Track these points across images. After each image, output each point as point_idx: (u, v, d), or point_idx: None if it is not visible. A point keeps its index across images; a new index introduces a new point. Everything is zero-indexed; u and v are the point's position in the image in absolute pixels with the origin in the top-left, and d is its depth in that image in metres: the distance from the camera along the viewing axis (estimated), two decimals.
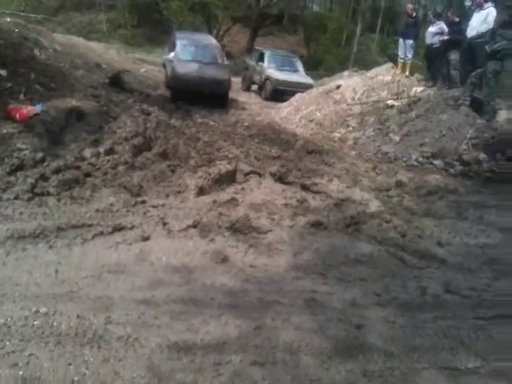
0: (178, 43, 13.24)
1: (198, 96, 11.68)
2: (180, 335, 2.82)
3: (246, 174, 5.96)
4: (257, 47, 19.98)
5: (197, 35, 15.54)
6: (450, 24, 10.58)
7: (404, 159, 8.06)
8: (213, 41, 14.95)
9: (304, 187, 5.87)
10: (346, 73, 16.43)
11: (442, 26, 10.79)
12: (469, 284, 3.93)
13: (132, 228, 4.21)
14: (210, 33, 24.57)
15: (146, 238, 4.09)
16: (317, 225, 4.77)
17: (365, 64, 20.81)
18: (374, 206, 5.49)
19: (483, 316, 3.47)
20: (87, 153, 5.78)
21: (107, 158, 5.65)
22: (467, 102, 8.96)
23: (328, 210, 5.21)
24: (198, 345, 2.76)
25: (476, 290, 3.85)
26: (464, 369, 2.87)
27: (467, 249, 4.68)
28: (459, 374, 2.80)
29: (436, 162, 7.81)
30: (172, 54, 13.01)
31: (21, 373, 2.40)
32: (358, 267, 4.03)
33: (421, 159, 7.96)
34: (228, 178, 5.72)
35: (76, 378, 2.38)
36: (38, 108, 7.25)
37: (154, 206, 4.73)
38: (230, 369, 2.59)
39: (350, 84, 12.25)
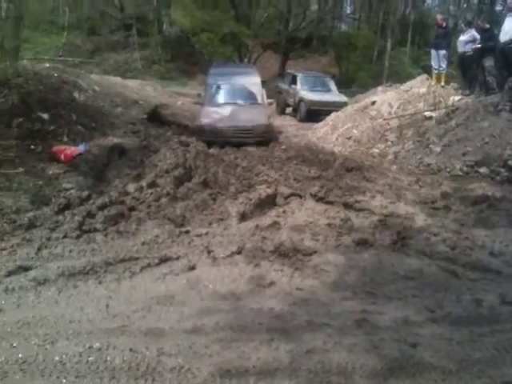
0: (209, 81, 11.72)
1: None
2: (232, 363, 2.80)
3: (287, 197, 5.98)
4: (289, 70, 20.16)
5: (236, 67, 14.11)
6: (481, 31, 10.42)
7: (448, 170, 7.87)
8: (253, 74, 12.27)
9: (346, 205, 5.81)
10: (380, 88, 16.30)
11: (473, 33, 10.65)
12: None
13: (178, 258, 4.27)
14: (241, 61, 25.00)
15: (192, 268, 4.13)
16: (362, 243, 4.70)
17: (399, 78, 20.63)
18: (420, 219, 5.37)
19: None
20: (130, 187, 5.94)
21: (150, 191, 5.78)
22: (507, 107, 8.71)
23: (373, 227, 5.14)
24: (251, 371, 2.73)
25: None
26: None
27: None
28: None
29: (481, 170, 7.58)
30: (202, 95, 11.79)
31: None
32: (409, 283, 3.93)
33: (465, 168, 7.75)
34: (269, 202, 5.75)
35: None
36: (80, 148, 7.55)
37: (197, 235, 4.79)
38: None
39: (385, 99, 12.15)
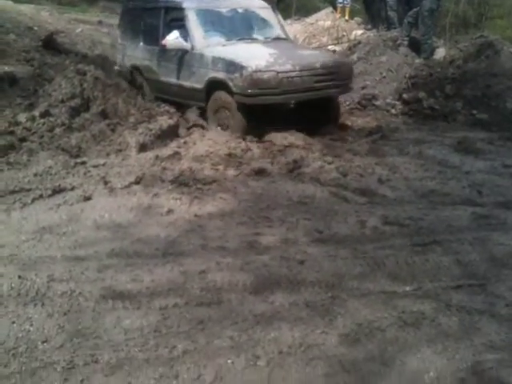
0: (187, 5, 6.80)
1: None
2: (125, 285, 2.85)
3: (189, 128, 5.93)
4: None
5: None
6: None
7: (347, 103, 8.14)
8: None
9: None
10: (288, 21, 16.21)
11: None
12: (407, 215, 4.08)
13: (72, 189, 4.17)
14: None
15: (88, 198, 4.05)
16: (261, 172, 4.82)
17: (307, 11, 20.56)
18: (317, 149, 5.57)
19: (420, 243, 3.64)
20: (21, 117, 5.58)
21: (43, 121, 5.47)
22: (405, 42, 9.08)
23: (272, 156, 5.26)
24: (144, 293, 2.80)
25: (414, 219, 4.00)
26: (401, 292, 3.03)
27: (406, 183, 4.85)
28: (396, 297, 2.94)
29: (378, 103, 7.94)
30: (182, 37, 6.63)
31: None
32: (301, 208, 4.13)
33: (363, 102, 8.07)
34: (170, 133, 5.67)
35: (20, 335, 2.39)
36: None
37: (94, 166, 4.67)
38: (175, 312, 2.65)
39: (292, 32, 12.13)
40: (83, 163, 4.71)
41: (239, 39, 6.78)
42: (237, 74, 5.78)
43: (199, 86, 6.36)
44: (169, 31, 6.79)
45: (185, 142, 5.42)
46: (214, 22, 6.98)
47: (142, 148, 5.15)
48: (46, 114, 5.65)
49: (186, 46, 6.56)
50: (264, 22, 7.39)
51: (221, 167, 4.85)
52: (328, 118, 6.68)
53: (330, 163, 5.09)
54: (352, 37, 10.35)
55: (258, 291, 2.90)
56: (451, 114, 7.42)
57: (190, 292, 2.84)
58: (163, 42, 6.78)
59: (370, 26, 11.00)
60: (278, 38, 7.23)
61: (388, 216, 4.01)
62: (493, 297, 2.96)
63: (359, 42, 9.92)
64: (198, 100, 6.50)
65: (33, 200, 3.92)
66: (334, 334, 2.53)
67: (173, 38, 6.63)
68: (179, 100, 6.85)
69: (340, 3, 12.01)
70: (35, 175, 4.35)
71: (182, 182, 4.43)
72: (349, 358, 2.38)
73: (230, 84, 5.87)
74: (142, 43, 7.61)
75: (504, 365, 2.37)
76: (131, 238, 3.47)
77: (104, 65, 10.41)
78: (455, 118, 7.36)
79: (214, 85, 6.18)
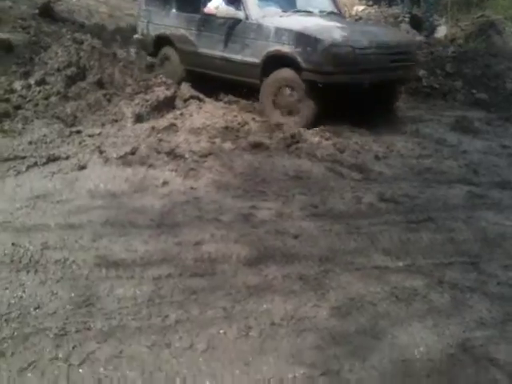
0: None
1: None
2: (119, 255, 2.85)
3: (186, 100, 5.86)
4: None
5: None
6: None
7: None
8: None
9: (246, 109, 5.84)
10: None
11: None
12: (403, 192, 4.09)
13: (67, 158, 4.14)
14: None
15: (83, 167, 4.03)
16: (258, 146, 4.78)
17: None
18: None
19: (415, 220, 3.65)
20: (17, 85, 5.52)
21: (38, 89, 5.41)
22: (407, 19, 8.98)
23: (270, 131, 5.22)
24: (138, 262, 2.80)
25: (409, 196, 4.02)
26: (394, 267, 3.04)
27: (403, 160, 4.84)
28: (389, 273, 2.95)
29: None
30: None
31: None
32: (297, 183, 4.12)
33: None
34: (167, 105, 5.60)
35: (13, 301, 2.39)
36: None
37: (89, 136, 4.62)
38: (169, 282, 2.65)
39: None
40: (78, 132, 4.67)
41: (294, 11, 6.17)
42: (309, 48, 5.17)
43: (254, 60, 5.66)
44: None
45: (181, 114, 5.36)
46: None
47: (138, 119, 5.09)
48: (41, 82, 5.59)
49: (240, 14, 5.84)
50: None
51: (217, 140, 4.80)
52: (388, 105, 6.16)
53: (327, 139, 5.06)
54: (353, 12, 10.19)
55: (251, 263, 2.90)
56: (450, 93, 7.40)
57: (184, 263, 2.84)
58: (209, 9, 6.14)
59: (371, 2, 10.84)
60: (332, 13, 6.65)
61: (384, 193, 4.01)
62: (485, 275, 2.98)
63: (360, 18, 9.80)
64: (249, 76, 5.82)
65: (27, 168, 3.90)
66: (325, 307, 2.55)
67: (216, 5, 6.04)
68: (223, 75, 6.20)
69: None
70: (30, 143, 4.32)
71: (178, 154, 4.40)
72: (340, 330, 2.39)
73: (299, 59, 5.21)
74: (174, 10, 6.79)
75: (493, 342, 2.41)
76: (126, 208, 3.46)
77: (101, 34, 10.33)
78: (454, 97, 7.33)
79: (275, 60, 5.51)
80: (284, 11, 6.10)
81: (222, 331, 2.32)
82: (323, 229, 3.38)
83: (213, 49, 6.21)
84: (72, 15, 11.90)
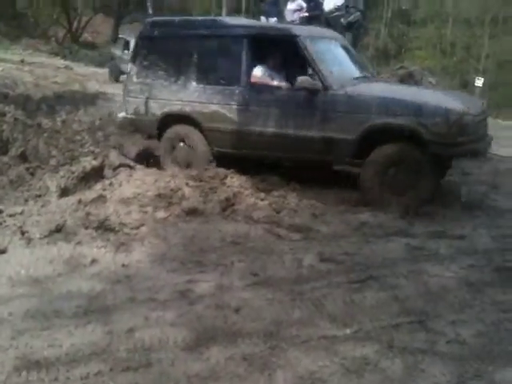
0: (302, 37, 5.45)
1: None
2: (41, 353, 2.54)
3: (115, 168, 5.65)
4: (121, 35, 19.19)
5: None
6: (307, 0, 10.84)
7: None
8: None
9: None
10: None
11: (300, 2, 11.01)
12: (342, 250, 4.02)
13: None
14: (70, 25, 23.12)
15: (2, 251, 3.72)
16: (192, 212, 4.63)
17: None
18: (249, 185, 5.46)
19: (356, 279, 3.57)
20: None
21: None
22: None
23: (203, 195, 5.09)
24: (62, 360, 2.50)
25: (349, 254, 3.95)
26: (342, 335, 2.90)
27: (340, 216, 4.82)
28: (337, 342, 2.81)
29: None
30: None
31: None
32: (235, 249, 3.97)
33: None
34: (95, 175, 5.37)
35: None
36: None
37: (10, 215, 4.29)
38: (98, 380, 2.37)
39: None
40: None
41: (356, 78, 5.82)
42: (438, 119, 4.79)
43: (345, 136, 5.09)
44: (256, 65, 5.67)
45: (110, 184, 5.12)
46: (327, 55, 5.71)
47: (64, 192, 4.82)
48: None
49: (317, 85, 5.24)
50: (352, 56, 6.41)
51: (149, 209, 4.60)
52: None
53: (262, 199, 4.99)
54: None
55: (191, 348, 2.67)
56: None
57: (116, 355, 2.57)
58: (264, 79, 5.66)
59: None
60: (368, 76, 6.36)
61: (324, 252, 3.93)
62: (433, 334, 2.89)
63: None
64: (338, 155, 5.19)
65: None
66: None
67: (260, 75, 5.66)
68: (284, 155, 5.56)
69: None
70: None
71: (108, 228, 4.17)
72: None
73: (423, 131, 4.78)
74: (194, 83, 5.87)
75: None
76: (49, 295, 3.16)
77: (26, 104, 10.01)
78: None
79: (379, 134, 5.00)
80: (349, 77, 5.73)
81: None
82: (265, 298, 3.22)
83: (267, 126, 5.47)
84: None
